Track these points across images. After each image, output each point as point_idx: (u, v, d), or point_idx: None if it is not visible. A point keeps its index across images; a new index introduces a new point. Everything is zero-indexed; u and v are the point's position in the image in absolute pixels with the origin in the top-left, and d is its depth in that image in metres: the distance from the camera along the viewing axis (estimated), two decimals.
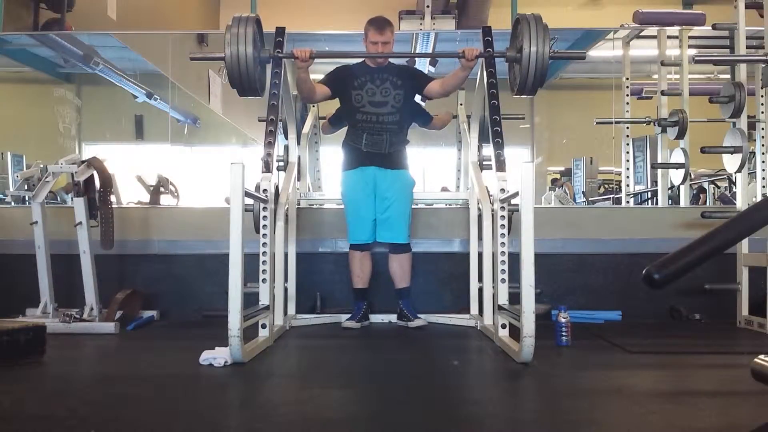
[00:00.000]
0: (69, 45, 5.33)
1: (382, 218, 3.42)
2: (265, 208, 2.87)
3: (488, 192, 3.39)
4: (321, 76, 3.48)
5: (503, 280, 2.79)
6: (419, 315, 3.43)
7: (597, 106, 5.99)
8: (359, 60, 3.48)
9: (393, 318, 3.54)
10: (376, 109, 3.39)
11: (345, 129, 3.60)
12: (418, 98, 3.65)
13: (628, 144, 4.88)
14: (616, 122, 4.92)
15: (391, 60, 3.50)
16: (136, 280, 3.74)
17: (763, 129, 3.58)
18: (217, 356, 2.34)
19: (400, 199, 3.44)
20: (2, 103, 5.77)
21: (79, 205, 3.28)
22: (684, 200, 4.54)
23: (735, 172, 3.53)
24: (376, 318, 3.58)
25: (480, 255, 3.36)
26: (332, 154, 4.52)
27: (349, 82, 3.40)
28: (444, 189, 4.86)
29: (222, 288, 2.47)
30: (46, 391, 2.06)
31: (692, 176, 5.01)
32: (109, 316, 3.28)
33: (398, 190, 3.43)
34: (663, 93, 4.53)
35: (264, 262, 2.83)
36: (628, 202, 5.26)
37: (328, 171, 4.46)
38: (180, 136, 5.95)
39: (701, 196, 5.67)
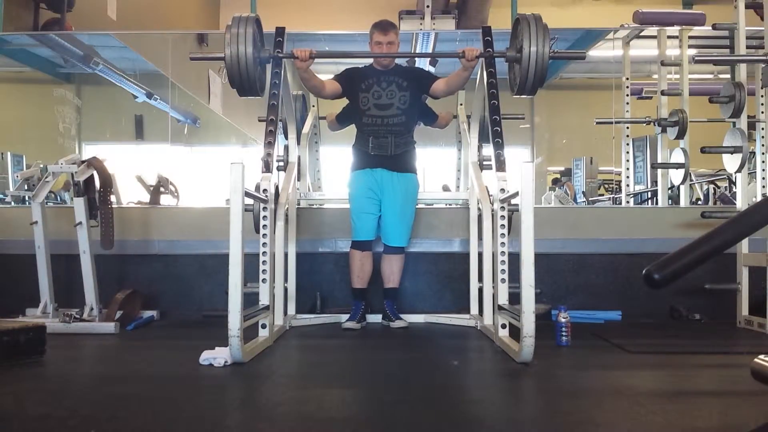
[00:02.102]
0: (69, 45, 5.33)
1: (384, 219, 3.44)
2: (265, 208, 2.87)
3: (488, 192, 3.39)
4: (324, 77, 3.47)
5: (503, 280, 2.79)
6: (401, 316, 3.48)
7: (597, 106, 5.99)
8: (369, 62, 3.49)
9: None
10: (381, 112, 3.40)
11: (353, 131, 3.59)
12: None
13: (628, 144, 4.88)
14: (616, 122, 4.92)
15: (398, 62, 3.51)
16: (136, 280, 3.74)
17: (763, 129, 3.58)
18: (217, 356, 2.34)
19: (404, 203, 3.45)
20: (2, 103, 5.77)
21: (79, 205, 3.28)
22: (684, 200, 4.54)
23: (735, 172, 3.53)
24: (375, 318, 3.58)
25: (480, 255, 3.36)
26: (332, 154, 4.52)
27: (357, 84, 3.42)
28: (445, 187, 4.85)
29: (222, 288, 2.48)
30: (46, 391, 2.06)
31: (692, 177, 5.01)
32: (109, 316, 3.28)
33: (403, 193, 3.44)
34: (663, 93, 4.53)
35: (264, 262, 2.83)
36: (628, 202, 5.26)
37: (328, 171, 4.46)
38: (180, 136, 5.95)
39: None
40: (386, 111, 3.40)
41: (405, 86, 3.41)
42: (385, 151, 3.42)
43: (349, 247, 3.48)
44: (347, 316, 3.45)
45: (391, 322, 3.43)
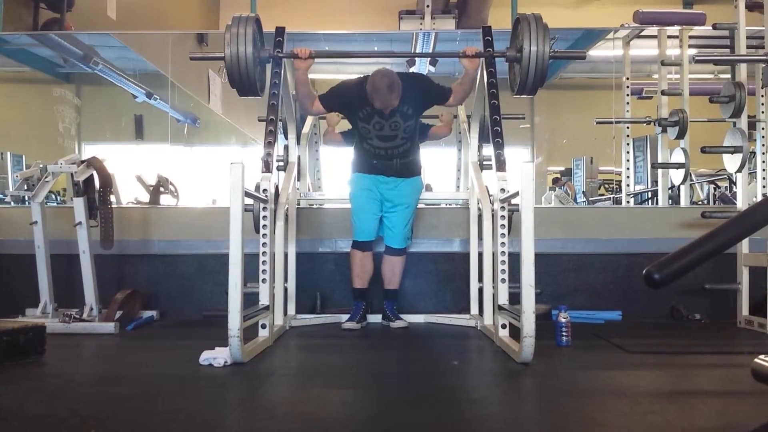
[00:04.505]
0: (69, 45, 5.33)
1: (387, 221, 3.41)
2: (265, 208, 2.87)
3: (488, 192, 3.38)
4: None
5: (503, 280, 2.79)
6: (401, 316, 3.48)
7: (597, 106, 6.00)
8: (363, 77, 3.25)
9: None
10: (384, 144, 3.31)
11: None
12: None
13: (628, 144, 4.88)
14: (617, 122, 4.92)
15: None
16: (136, 280, 3.74)
17: (763, 129, 3.58)
18: (217, 356, 2.34)
19: (406, 204, 3.41)
20: (2, 103, 5.77)
21: (78, 205, 3.27)
22: (684, 200, 4.54)
23: (735, 172, 3.53)
24: (375, 318, 3.57)
25: (480, 255, 3.36)
26: (332, 154, 4.52)
27: (353, 110, 3.29)
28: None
29: (222, 288, 2.48)
30: (46, 391, 2.06)
31: (693, 176, 5.01)
32: (109, 316, 3.28)
33: (406, 195, 3.41)
34: (663, 93, 4.53)
35: (264, 262, 2.83)
36: (628, 202, 5.26)
37: (328, 171, 4.46)
38: (180, 136, 5.95)
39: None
40: (390, 142, 3.30)
41: (410, 114, 3.27)
42: (390, 168, 3.36)
43: (350, 247, 3.47)
44: (347, 316, 3.45)
45: (391, 322, 3.43)
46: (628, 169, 5.01)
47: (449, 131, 4.05)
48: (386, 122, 3.24)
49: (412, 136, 3.35)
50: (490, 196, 3.32)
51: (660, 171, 4.59)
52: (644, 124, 4.78)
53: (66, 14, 5.25)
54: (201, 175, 5.83)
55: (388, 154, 3.33)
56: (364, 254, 3.43)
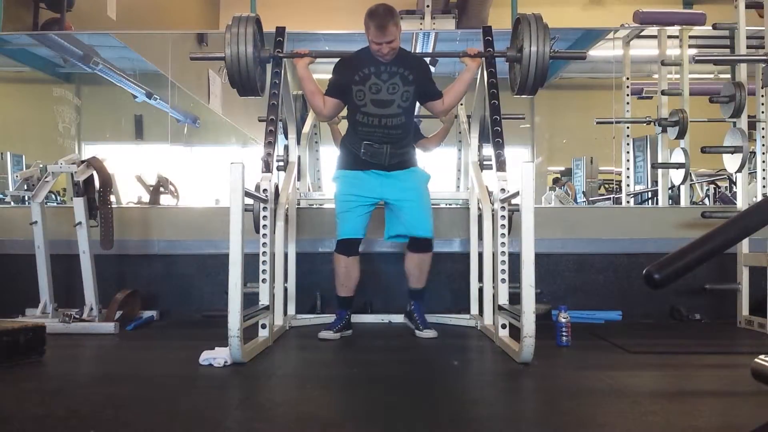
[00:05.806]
0: (69, 45, 5.33)
1: (403, 210, 3.06)
2: (265, 208, 2.87)
3: (488, 192, 3.38)
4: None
5: (503, 280, 2.79)
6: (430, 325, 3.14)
7: (597, 106, 5.99)
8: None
9: (393, 318, 3.53)
10: (379, 110, 2.95)
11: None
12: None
13: (628, 144, 4.88)
14: (617, 122, 4.92)
15: (403, 45, 3.05)
16: (136, 280, 3.74)
17: (763, 129, 3.59)
18: (217, 356, 2.34)
19: (417, 191, 3.07)
20: (2, 103, 5.77)
21: (78, 205, 3.27)
22: (684, 200, 4.54)
23: (735, 172, 3.53)
24: (375, 318, 3.58)
25: (480, 255, 3.36)
26: (332, 154, 4.54)
27: (350, 76, 2.96)
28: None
29: (222, 288, 2.48)
30: (46, 391, 2.06)
31: (693, 176, 5.02)
32: (108, 316, 3.28)
33: (411, 181, 3.08)
34: (663, 93, 4.53)
35: (264, 262, 2.83)
36: (628, 202, 5.26)
37: (328, 171, 4.46)
38: (180, 136, 5.95)
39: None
40: (385, 109, 2.95)
41: (411, 80, 2.95)
42: (379, 160, 3.03)
43: (334, 250, 3.12)
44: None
45: (417, 330, 3.10)
46: (628, 169, 5.01)
47: (439, 143, 4.03)
48: (384, 84, 2.93)
49: (407, 110, 3.00)
50: (490, 195, 3.32)
51: (660, 171, 4.60)
52: (644, 124, 4.78)
53: (66, 14, 5.24)
54: (201, 175, 5.84)
55: (382, 125, 2.96)
56: (349, 260, 3.06)
